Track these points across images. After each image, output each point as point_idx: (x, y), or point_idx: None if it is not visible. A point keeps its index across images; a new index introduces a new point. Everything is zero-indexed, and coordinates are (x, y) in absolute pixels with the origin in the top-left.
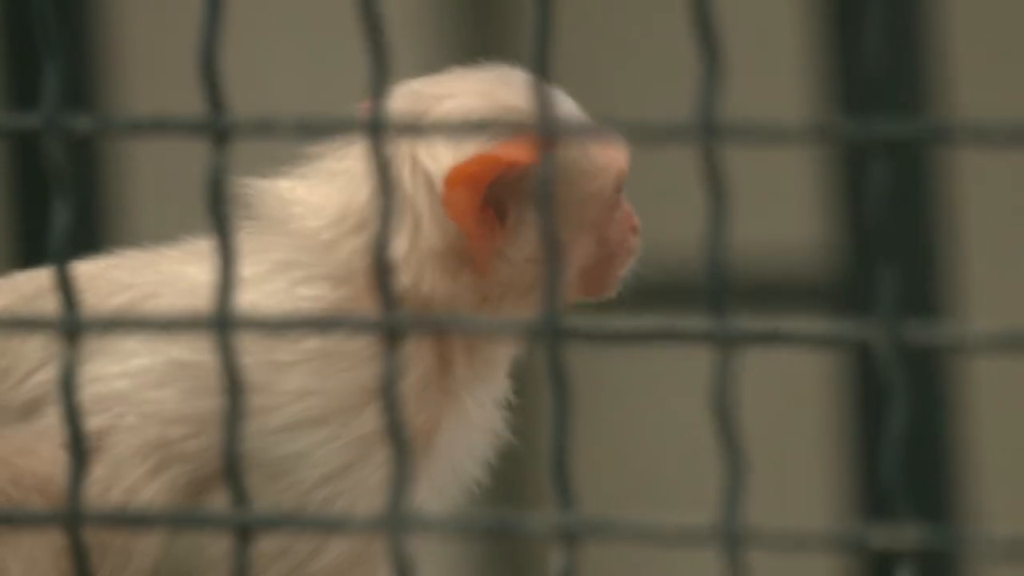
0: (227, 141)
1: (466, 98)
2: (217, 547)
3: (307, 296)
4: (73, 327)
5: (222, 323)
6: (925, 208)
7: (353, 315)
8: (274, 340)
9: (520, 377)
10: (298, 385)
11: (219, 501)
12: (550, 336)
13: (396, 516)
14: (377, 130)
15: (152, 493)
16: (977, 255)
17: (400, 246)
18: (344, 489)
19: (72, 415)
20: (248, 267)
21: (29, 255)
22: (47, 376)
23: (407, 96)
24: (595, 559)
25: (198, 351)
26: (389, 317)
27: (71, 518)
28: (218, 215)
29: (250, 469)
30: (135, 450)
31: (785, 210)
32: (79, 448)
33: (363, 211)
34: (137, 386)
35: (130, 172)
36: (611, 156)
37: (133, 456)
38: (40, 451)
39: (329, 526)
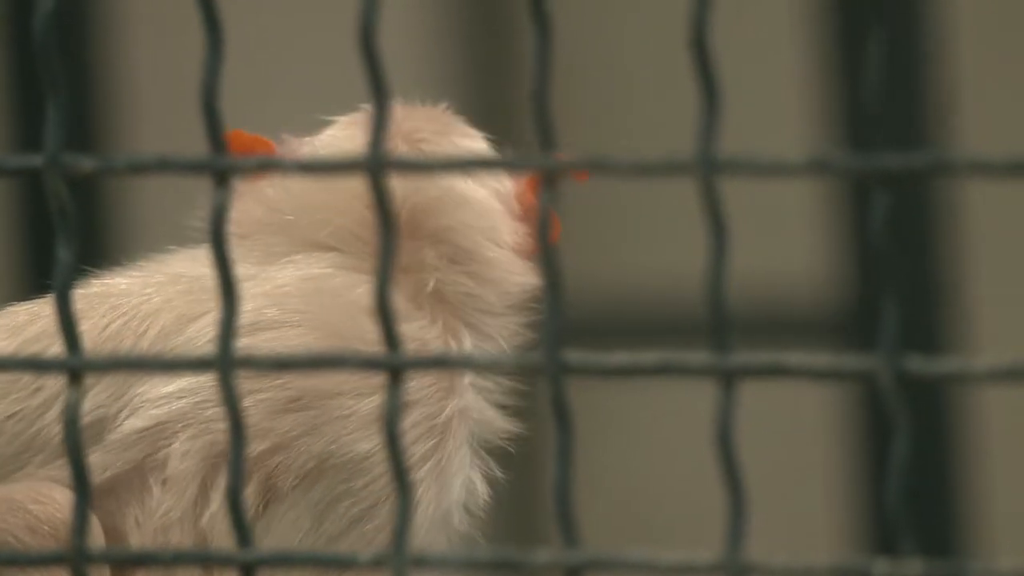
0: (228, 181)
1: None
2: None
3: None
4: (76, 368)
5: (225, 364)
6: (929, 240)
7: (358, 355)
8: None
9: (523, 413)
10: (374, 382)
11: (289, 515)
12: (553, 371)
13: (399, 552)
14: (377, 168)
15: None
16: (982, 287)
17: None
18: (423, 476)
19: (75, 453)
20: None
21: (34, 293)
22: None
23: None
24: None
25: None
26: (391, 356)
27: (77, 557)
28: (220, 253)
29: (332, 471)
30: (207, 469)
31: (788, 242)
32: (83, 487)
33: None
34: (196, 405)
35: (134, 210)
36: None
37: (201, 473)
38: (56, 497)
39: (334, 563)
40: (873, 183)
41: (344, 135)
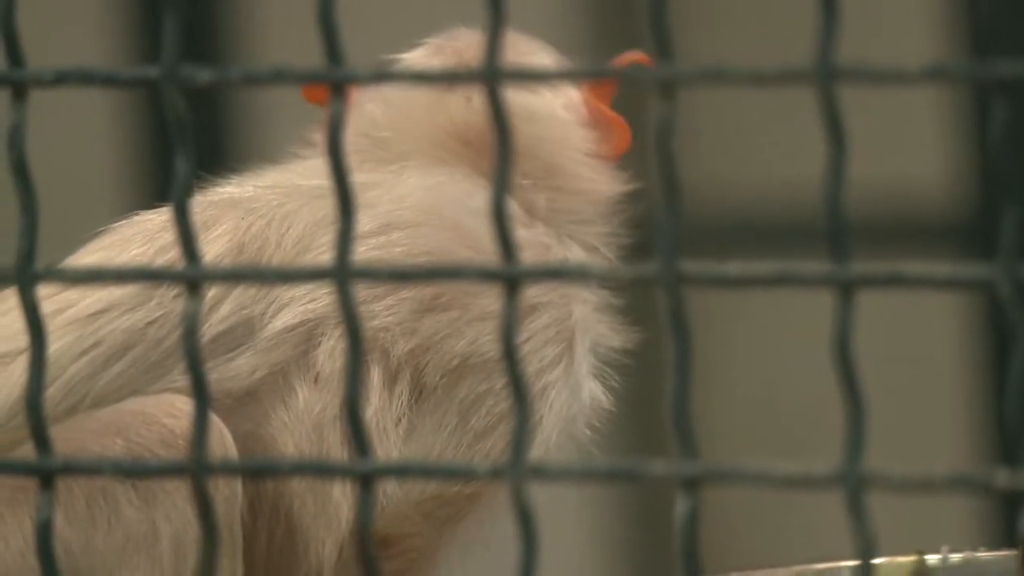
0: (344, 91)
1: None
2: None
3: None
4: (195, 278)
5: (343, 274)
6: None
7: (476, 266)
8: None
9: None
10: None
11: (437, 411)
12: (669, 281)
13: (517, 464)
14: (493, 79)
15: (384, 402)
16: None
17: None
18: (555, 378)
19: (195, 364)
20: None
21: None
22: (208, 325)
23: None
24: (719, 505)
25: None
26: (509, 267)
27: (198, 468)
28: (337, 163)
29: (475, 370)
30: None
31: (909, 150)
32: (203, 398)
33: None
34: None
35: (253, 123)
36: None
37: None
38: (189, 411)
39: (453, 474)
40: (992, 91)
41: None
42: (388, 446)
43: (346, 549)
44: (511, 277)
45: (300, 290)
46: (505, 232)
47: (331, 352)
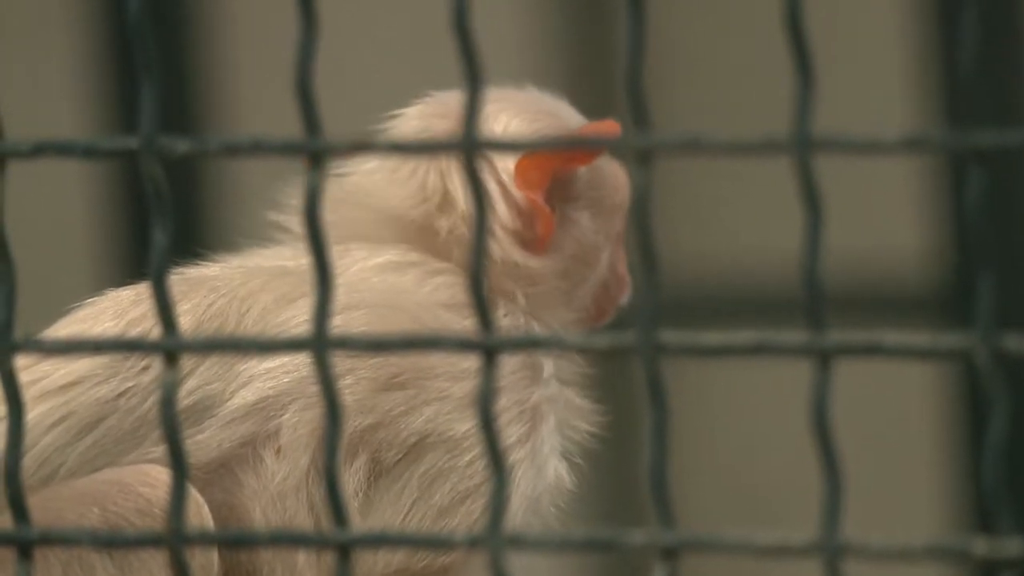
0: (323, 162)
1: (518, 114)
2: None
3: (443, 285)
4: (173, 348)
5: (321, 345)
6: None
7: (453, 336)
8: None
9: (617, 394)
10: (468, 364)
11: (394, 488)
12: (647, 351)
13: (495, 533)
14: (471, 149)
15: (348, 483)
16: None
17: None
18: (521, 458)
19: (172, 434)
20: (363, 255)
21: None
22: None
23: (452, 110)
24: (697, 574)
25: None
26: (487, 336)
27: (176, 539)
28: (314, 235)
29: (434, 448)
30: (318, 440)
31: (885, 220)
32: (180, 468)
33: (444, 187)
34: (305, 380)
35: (230, 193)
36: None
37: (312, 444)
38: (165, 480)
39: (430, 543)
40: (969, 160)
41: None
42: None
43: None
44: (489, 347)
45: (259, 368)
46: (482, 301)
47: (293, 426)
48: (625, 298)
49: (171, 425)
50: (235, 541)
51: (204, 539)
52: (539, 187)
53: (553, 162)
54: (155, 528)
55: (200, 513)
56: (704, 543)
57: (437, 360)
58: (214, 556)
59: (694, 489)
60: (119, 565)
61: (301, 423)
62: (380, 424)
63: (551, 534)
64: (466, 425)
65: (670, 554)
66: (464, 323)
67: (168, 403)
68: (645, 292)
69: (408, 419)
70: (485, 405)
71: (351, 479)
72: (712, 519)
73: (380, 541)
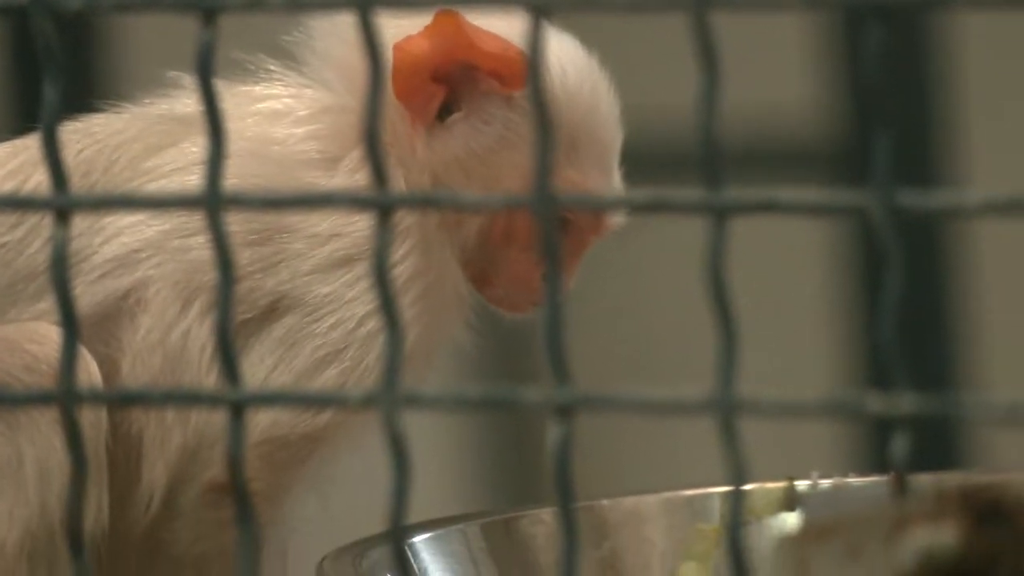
0: (216, 18)
1: None
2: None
3: (310, 136)
4: (64, 205)
5: (213, 201)
6: (924, 74)
7: (348, 193)
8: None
9: None
10: (327, 228)
11: (258, 347)
12: (543, 209)
13: (390, 391)
14: (367, 8)
15: (205, 337)
16: (976, 120)
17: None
18: (409, 319)
19: (63, 292)
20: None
21: (22, 134)
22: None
23: None
24: (592, 433)
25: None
26: (382, 194)
27: (66, 396)
28: (206, 93)
29: (291, 310)
30: (180, 296)
31: (782, 75)
32: (71, 325)
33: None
34: (167, 233)
35: (122, 49)
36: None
37: (177, 302)
38: (52, 336)
39: (323, 401)
40: (866, 14)
41: None
42: (201, 376)
43: (180, 485)
44: (384, 204)
45: (124, 222)
46: (378, 160)
47: (157, 279)
48: (531, 301)
49: (62, 283)
50: (127, 399)
51: (96, 398)
52: (427, 63)
53: (446, 44)
54: (44, 385)
55: (89, 370)
56: (599, 400)
57: (297, 219)
58: (103, 414)
59: (589, 349)
60: (6, 421)
61: (164, 275)
62: (237, 279)
63: (446, 392)
64: (325, 288)
65: (565, 411)
66: (333, 180)
67: (59, 261)
68: (541, 155)
69: (264, 278)
70: (381, 262)
71: (207, 334)
72: (607, 380)
73: (273, 399)
